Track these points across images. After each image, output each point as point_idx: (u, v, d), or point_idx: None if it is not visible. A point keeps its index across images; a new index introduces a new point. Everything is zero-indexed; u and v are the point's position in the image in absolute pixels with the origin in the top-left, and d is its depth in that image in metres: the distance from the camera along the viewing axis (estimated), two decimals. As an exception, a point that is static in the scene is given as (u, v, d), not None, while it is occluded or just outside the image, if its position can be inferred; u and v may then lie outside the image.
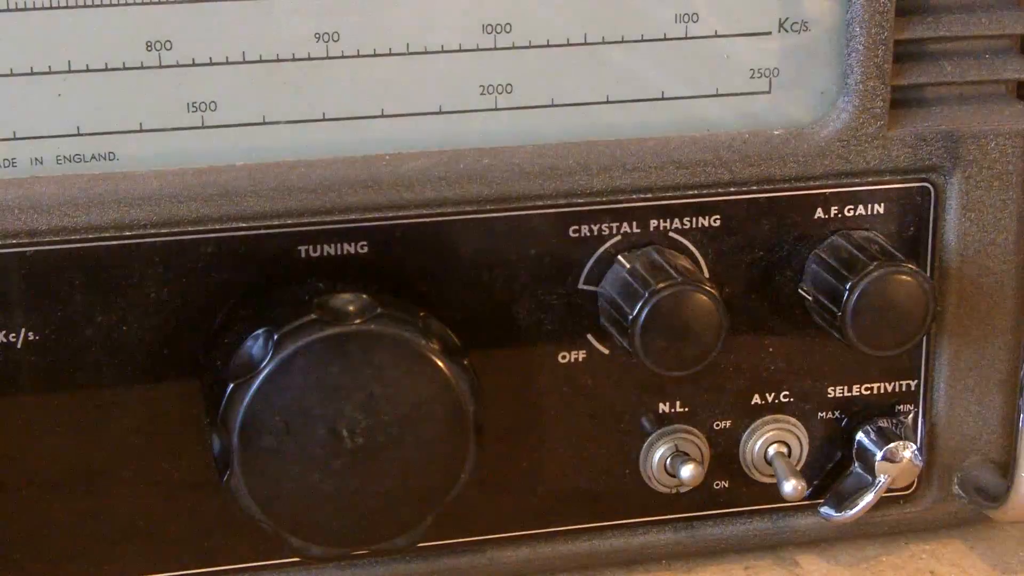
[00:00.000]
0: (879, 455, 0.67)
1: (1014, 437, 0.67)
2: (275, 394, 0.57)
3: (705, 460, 0.67)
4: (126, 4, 0.58)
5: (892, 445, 0.67)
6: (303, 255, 0.61)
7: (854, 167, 0.65)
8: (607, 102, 0.64)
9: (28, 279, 0.59)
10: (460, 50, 0.62)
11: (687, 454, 0.67)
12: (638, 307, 0.61)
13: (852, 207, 0.66)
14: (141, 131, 0.60)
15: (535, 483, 0.66)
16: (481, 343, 0.63)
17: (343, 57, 0.61)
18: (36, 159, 0.60)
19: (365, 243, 0.62)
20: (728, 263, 0.65)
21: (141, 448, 0.62)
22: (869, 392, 0.68)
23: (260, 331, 0.59)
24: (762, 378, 0.67)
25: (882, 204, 0.66)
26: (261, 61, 0.60)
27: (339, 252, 0.62)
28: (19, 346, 0.60)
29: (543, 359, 0.65)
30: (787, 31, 0.64)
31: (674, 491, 0.67)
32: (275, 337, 0.58)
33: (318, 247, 0.61)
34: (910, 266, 0.63)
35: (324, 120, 0.61)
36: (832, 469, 0.69)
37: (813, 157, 0.64)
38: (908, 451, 0.67)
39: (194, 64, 0.60)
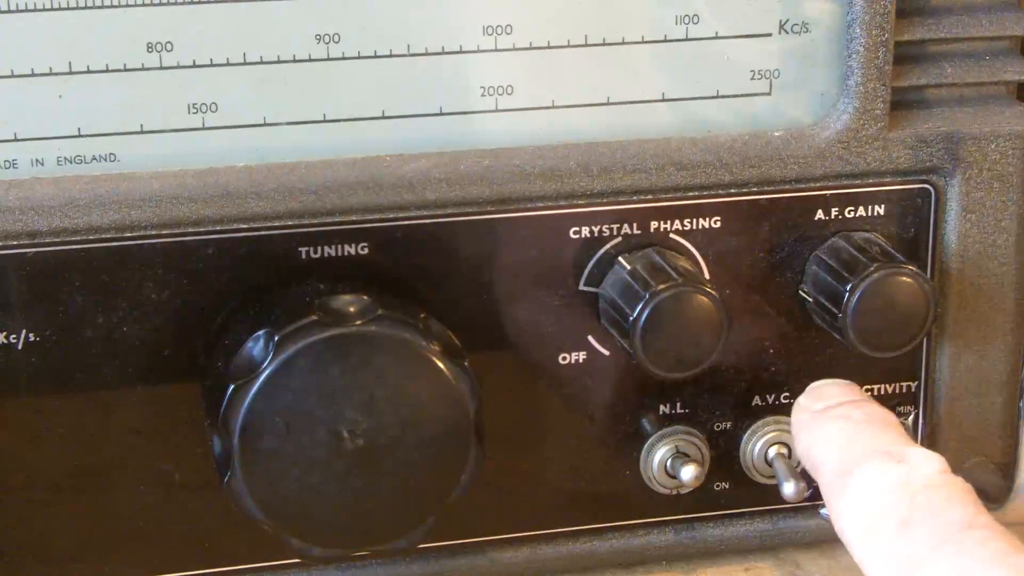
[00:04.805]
0: (879, 456, 0.67)
1: (1014, 438, 0.68)
2: (276, 395, 0.57)
3: (705, 461, 0.67)
4: (127, 5, 0.59)
5: (892, 446, 0.67)
6: (304, 256, 0.61)
7: (854, 169, 0.65)
8: (608, 103, 0.64)
9: (29, 280, 0.59)
10: (461, 51, 0.62)
11: (687, 455, 0.67)
12: (638, 308, 0.61)
13: (852, 208, 0.66)
14: (142, 132, 0.60)
15: (536, 484, 0.66)
16: (482, 345, 0.63)
17: (344, 58, 0.61)
18: (37, 160, 0.60)
19: (366, 244, 0.62)
20: (728, 264, 0.65)
21: (142, 449, 0.62)
22: (870, 393, 0.68)
23: (261, 332, 0.59)
24: (762, 379, 0.67)
25: (882, 206, 0.66)
26: (262, 63, 0.60)
27: (340, 253, 0.62)
28: (20, 347, 0.60)
29: (543, 360, 0.65)
30: (787, 32, 0.64)
31: (674, 492, 0.67)
32: (276, 338, 0.58)
33: (319, 248, 0.61)
34: (910, 268, 0.63)
35: (325, 121, 0.61)
36: (832, 470, 0.69)
37: (813, 158, 0.64)
38: (908, 452, 0.67)
39: (195, 65, 0.60)
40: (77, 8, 0.58)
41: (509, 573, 0.67)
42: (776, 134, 0.64)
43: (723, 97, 0.64)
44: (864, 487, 0.55)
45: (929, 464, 0.55)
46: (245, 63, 0.60)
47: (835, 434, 0.59)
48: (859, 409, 0.59)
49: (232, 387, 0.57)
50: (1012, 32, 0.65)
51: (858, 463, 0.56)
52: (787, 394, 0.67)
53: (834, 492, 0.57)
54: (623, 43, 0.63)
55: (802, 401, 0.62)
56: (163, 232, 0.60)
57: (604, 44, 0.63)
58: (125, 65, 0.59)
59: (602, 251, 0.64)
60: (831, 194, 0.65)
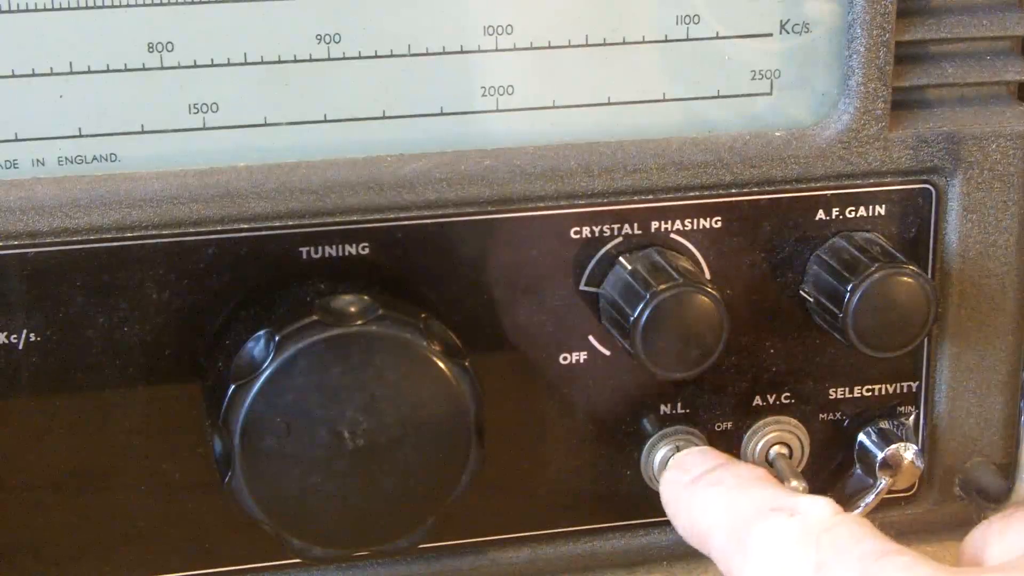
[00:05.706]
0: (880, 456, 0.67)
1: (1015, 438, 0.68)
2: (276, 395, 0.57)
3: (706, 461, 0.67)
4: (127, 5, 0.58)
5: (893, 447, 0.67)
6: (304, 256, 0.61)
7: (855, 168, 0.65)
8: (608, 103, 0.64)
9: (30, 280, 0.59)
10: (462, 51, 0.62)
11: (688, 455, 0.67)
12: (639, 308, 0.61)
13: (853, 208, 0.66)
14: (143, 132, 0.60)
15: (536, 484, 0.66)
16: (482, 345, 0.63)
17: (344, 59, 0.61)
18: (38, 160, 0.60)
19: (366, 244, 0.62)
20: (729, 264, 0.65)
21: (142, 449, 0.62)
22: (870, 393, 0.68)
23: (261, 332, 0.59)
24: (763, 379, 0.67)
25: (883, 206, 0.66)
26: (263, 63, 0.60)
27: (340, 253, 0.62)
28: (21, 347, 0.60)
29: (544, 360, 0.65)
30: (788, 32, 0.64)
31: (675, 492, 0.67)
32: (276, 338, 0.58)
33: (320, 248, 0.61)
34: (911, 268, 0.63)
35: (326, 121, 0.61)
36: (833, 471, 0.69)
37: (814, 158, 0.64)
38: (909, 453, 0.67)
39: (196, 66, 0.60)
40: (77, 8, 0.58)
41: (509, 573, 0.67)
42: (777, 134, 0.64)
43: (724, 97, 0.64)
44: (765, 545, 0.54)
45: (820, 508, 0.55)
46: (246, 63, 0.60)
47: (715, 500, 0.58)
48: (728, 472, 0.60)
49: (233, 387, 0.57)
50: (1012, 32, 0.65)
51: (750, 524, 0.56)
52: (787, 394, 0.67)
53: (731, 554, 0.56)
54: (624, 43, 0.63)
55: (668, 476, 0.61)
56: (164, 232, 0.60)
57: (605, 44, 0.63)
58: (126, 65, 0.59)
59: (603, 251, 0.64)
60: (832, 194, 0.65)
